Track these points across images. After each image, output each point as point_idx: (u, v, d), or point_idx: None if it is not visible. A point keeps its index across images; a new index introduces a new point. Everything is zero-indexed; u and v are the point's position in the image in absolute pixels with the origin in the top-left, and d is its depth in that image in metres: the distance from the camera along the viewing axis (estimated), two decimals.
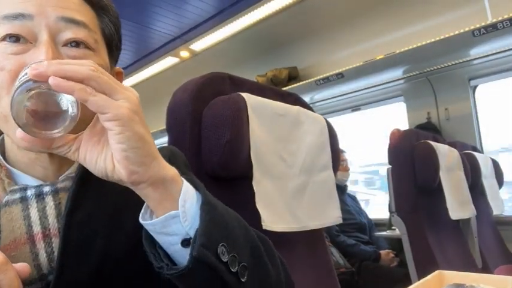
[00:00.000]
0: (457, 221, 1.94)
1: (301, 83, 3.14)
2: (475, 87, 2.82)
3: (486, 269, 1.97)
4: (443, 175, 1.77)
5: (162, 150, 0.68)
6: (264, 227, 0.87)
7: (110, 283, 0.50)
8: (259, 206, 0.88)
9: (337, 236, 2.69)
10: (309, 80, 3.05)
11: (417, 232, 1.76)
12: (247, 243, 0.52)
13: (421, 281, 0.60)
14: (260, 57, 3.57)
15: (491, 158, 2.51)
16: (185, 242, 0.45)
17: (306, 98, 3.07)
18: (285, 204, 0.96)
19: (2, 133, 0.57)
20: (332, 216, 1.10)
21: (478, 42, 2.28)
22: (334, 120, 3.16)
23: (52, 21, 0.49)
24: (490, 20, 2.17)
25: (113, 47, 0.60)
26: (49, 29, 0.49)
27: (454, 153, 1.95)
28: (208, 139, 0.87)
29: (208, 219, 0.45)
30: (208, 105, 0.91)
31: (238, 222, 0.53)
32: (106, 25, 0.58)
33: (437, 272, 0.64)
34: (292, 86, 3.14)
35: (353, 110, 3.47)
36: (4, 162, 0.54)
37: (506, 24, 2.05)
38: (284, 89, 2.79)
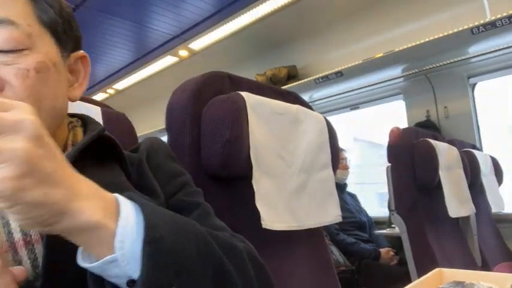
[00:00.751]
0: (457, 219, 1.94)
1: (300, 81, 3.14)
2: (474, 85, 2.82)
3: (486, 266, 1.97)
4: (442, 173, 1.77)
5: (143, 142, 0.66)
6: (263, 226, 0.87)
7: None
8: (259, 205, 0.88)
9: (337, 234, 2.69)
10: (308, 79, 3.05)
11: (417, 230, 1.76)
12: (209, 267, 0.45)
13: (421, 278, 0.60)
14: (259, 56, 3.56)
15: (490, 156, 2.52)
16: (131, 283, 0.39)
17: (305, 97, 3.07)
18: (284, 203, 0.96)
19: None
20: (332, 214, 1.10)
21: (476, 40, 2.28)
22: (333, 119, 3.17)
23: None
24: (489, 17, 2.17)
25: (60, 33, 0.53)
26: None
27: (454, 151, 1.95)
28: (207, 138, 0.87)
29: (152, 261, 0.39)
30: (208, 105, 0.91)
31: (197, 243, 0.45)
32: (43, 10, 0.50)
33: (437, 269, 0.65)
34: (292, 84, 3.14)
35: (352, 109, 3.47)
36: None
37: (505, 22, 2.05)
38: (283, 87, 2.80)
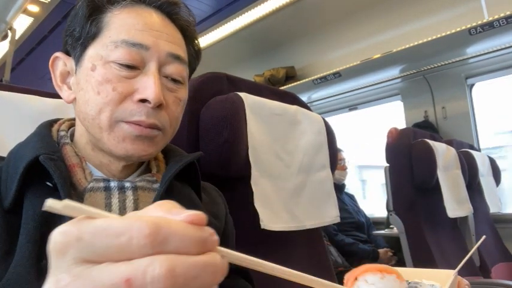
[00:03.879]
0: (455, 219, 1.94)
1: (298, 82, 3.15)
2: (472, 85, 2.83)
3: (484, 266, 1.98)
4: (440, 173, 1.78)
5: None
6: (262, 227, 0.87)
7: None
8: (258, 205, 0.88)
9: (335, 235, 2.69)
10: (307, 80, 3.05)
11: (415, 230, 1.76)
12: None
13: None
14: (257, 57, 3.57)
15: (488, 156, 2.52)
16: None
17: (304, 98, 3.07)
18: (283, 203, 0.96)
19: (71, 126, 0.63)
20: (330, 215, 1.10)
21: (474, 41, 2.28)
22: (331, 120, 3.17)
23: (163, 55, 0.56)
24: (487, 18, 2.17)
25: (191, 75, 0.67)
26: (159, 61, 0.56)
27: (451, 151, 1.96)
28: (206, 139, 0.87)
29: None
30: (206, 105, 0.90)
31: None
32: (191, 55, 0.63)
33: None
34: (290, 85, 3.14)
35: (350, 109, 3.47)
36: (81, 155, 0.58)
37: (503, 23, 2.06)
38: (282, 88, 2.80)
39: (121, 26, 0.54)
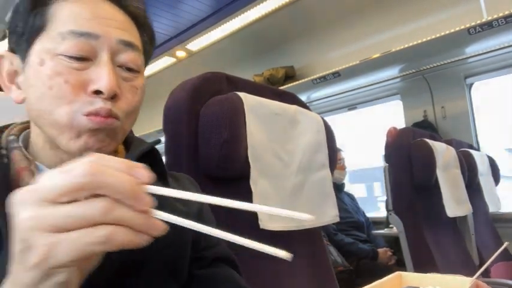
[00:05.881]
0: (454, 218, 1.95)
1: (298, 82, 3.15)
2: (471, 85, 2.83)
3: (483, 266, 1.98)
4: (440, 173, 1.78)
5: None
6: (261, 227, 0.87)
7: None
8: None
9: (335, 234, 2.69)
10: (306, 79, 3.05)
11: (414, 230, 1.76)
12: None
13: (378, 281, 0.61)
14: (257, 57, 3.57)
15: (487, 156, 2.53)
16: None
17: (303, 97, 3.08)
18: (282, 203, 0.96)
19: (24, 130, 0.61)
20: (329, 214, 1.10)
21: (473, 40, 2.29)
22: (331, 119, 3.17)
23: (114, 43, 0.54)
24: (486, 18, 2.18)
25: (147, 62, 0.65)
26: (110, 49, 0.54)
27: (451, 151, 1.96)
28: (205, 139, 0.87)
29: None
30: (205, 105, 0.90)
31: None
32: (145, 42, 0.62)
33: (397, 273, 0.66)
34: (289, 85, 3.14)
35: (350, 109, 3.47)
36: (31, 157, 0.56)
37: (502, 22, 2.06)
38: (281, 88, 2.80)
39: (67, 17, 0.52)
